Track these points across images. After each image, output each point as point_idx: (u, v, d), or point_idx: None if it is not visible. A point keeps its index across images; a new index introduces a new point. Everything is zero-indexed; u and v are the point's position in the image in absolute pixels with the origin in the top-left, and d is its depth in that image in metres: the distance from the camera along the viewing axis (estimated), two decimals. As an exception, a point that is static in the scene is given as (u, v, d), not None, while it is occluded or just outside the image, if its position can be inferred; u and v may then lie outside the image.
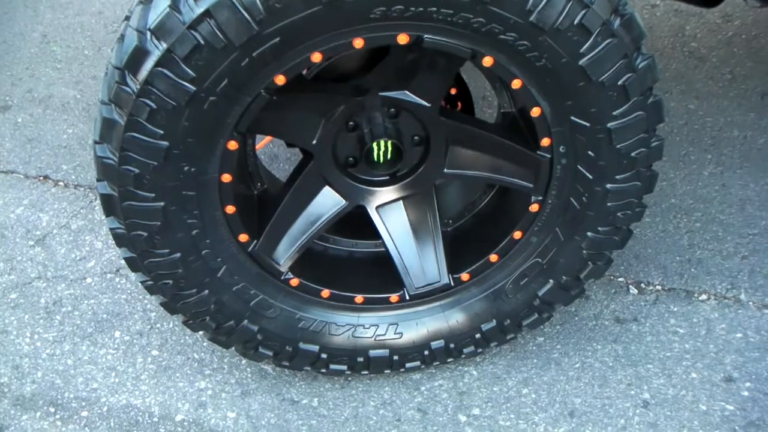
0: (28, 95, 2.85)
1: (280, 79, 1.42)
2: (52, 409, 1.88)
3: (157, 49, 1.34)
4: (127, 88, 1.38)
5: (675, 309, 2.00)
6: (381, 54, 1.61)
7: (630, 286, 2.07)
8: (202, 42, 1.33)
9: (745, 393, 1.82)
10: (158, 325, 2.05)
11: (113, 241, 2.23)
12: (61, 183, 2.50)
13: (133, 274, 2.11)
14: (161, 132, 1.41)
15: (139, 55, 1.36)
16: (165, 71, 1.35)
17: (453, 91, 1.82)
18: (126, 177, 1.47)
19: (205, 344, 1.99)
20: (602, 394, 1.83)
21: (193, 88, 1.37)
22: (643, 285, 2.07)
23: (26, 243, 2.31)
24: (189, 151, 1.45)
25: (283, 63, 1.40)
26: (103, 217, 2.32)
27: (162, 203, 1.51)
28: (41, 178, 2.52)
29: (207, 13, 1.31)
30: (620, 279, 2.09)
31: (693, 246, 2.15)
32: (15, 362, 1.99)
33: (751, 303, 2.01)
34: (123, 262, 2.17)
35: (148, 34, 1.35)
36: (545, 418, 1.79)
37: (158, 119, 1.40)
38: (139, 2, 1.41)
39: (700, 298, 2.03)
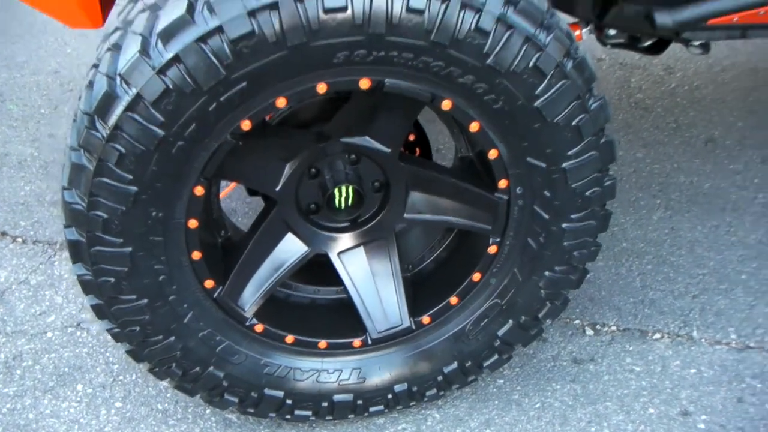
0: (-17, 153, 2.86)
1: (246, 124, 1.46)
2: (11, 465, 1.85)
3: (126, 94, 1.38)
4: (97, 134, 1.41)
5: (630, 348, 2.06)
6: (342, 101, 1.66)
7: (586, 328, 2.12)
8: (171, 86, 1.36)
9: (701, 426, 1.86)
10: (121, 377, 2.04)
11: (73, 296, 2.27)
12: (20, 239, 2.49)
13: (94, 327, 2.17)
14: (130, 177, 1.44)
15: (108, 101, 1.39)
16: (134, 116, 1.38)
17: (411, 138, 1.88)
18: (94, 222, 1.48)
19: (168, 395, 1.98)
20: (563, 430, 1.86)
21: (162, 133, 1.40)
22: (598, 326, 2.12)
23: (-16, 299, 2.29)
24: (157, 196, 1.48)
25: (249, 108, 1.44)
26: (63, 272, 2.36)
27: (130, 248, 1.52)
28: (-1, 234, 2.51)
29: (176, 58, 1.35)
30: (576, 321, 2.14)
31: (645, 287, 2.22)
32: (-28, 417, 1.95)
33: (703, 340, 2.07)
34: (84, 316, 2.21)
35: (118, 79, 1.38)
36: (509, 457, 1.82)
37: (127, 164, 1.42)
38: (108, 49, 1.45)
39: (654, 337, 2.08)
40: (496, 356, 1.82)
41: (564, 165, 1.57)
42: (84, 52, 3.46)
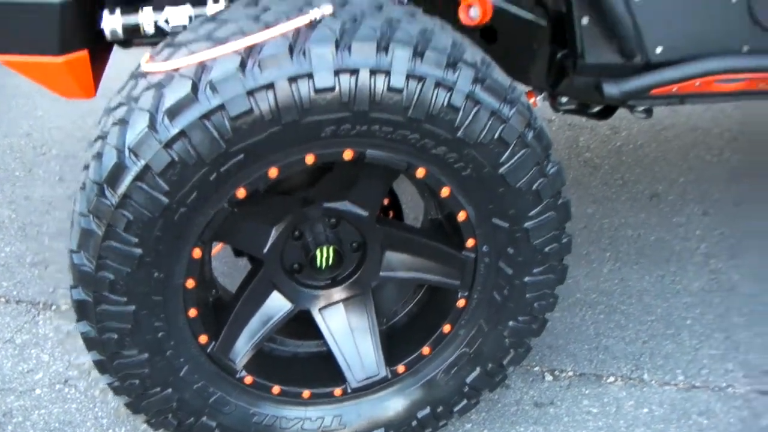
0: (-40, 215, 2.97)
1: (241, 192, 1.63)
2: None
3: (135, 166, 1.54)
4: (107, 201, 1.56)
5: (587, 392, 2.24)
6: (324, 169, 1.84)
7: (545, 374, 2.30)
8: (177, 159, 1.53)
9: (655, 461, 2.05)
10: (110, 431, 2.15)
11: (59, 354, 2.38)
12: (2, 299, 2.59)
13: (81, 384, 2.29)
14: (136, 241, 1.59)
15: (118, 171, 1.55)
16: (142, 185, 1.54)
17: (386, 202, 2.07)
18: (102, 283, 1.63)
19: None
20: (529, 472, 2.04)
21: (167, 201, 1.56)
22: (556, 372, 2.31)
23: (-31, 358, 2.38)
24: (159, 258, 1.63)
25: (245, 177, 1.61)
26: (47, 331, 2.47)
27: (133, 307, 1.67)
28: (-19, 295, 2.62)
29: (182, 133, 1.51)
30: (536, 368, 2.32)
31: (599, 335, 2.42)
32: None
33: (653, 381, 2.27)
34: (71, 373, 2.33)
35: (127, 151, 1.54)
36: (480, 496, 1.98)
37: (134, 229, 1.58)
38: (114, 123, 1.61)
39: (608, 381, 2.27)
40: (465, 401, 1.99)
41: (526, 225, 1.77)
42: (55, 115, 3.59)
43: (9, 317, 2.52)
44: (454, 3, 2.00)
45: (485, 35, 2.12)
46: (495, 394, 2.20)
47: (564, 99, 2.30)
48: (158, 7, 1.94)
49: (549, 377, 2.29)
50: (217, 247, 2.22)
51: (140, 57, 1.72)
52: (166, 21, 1.94)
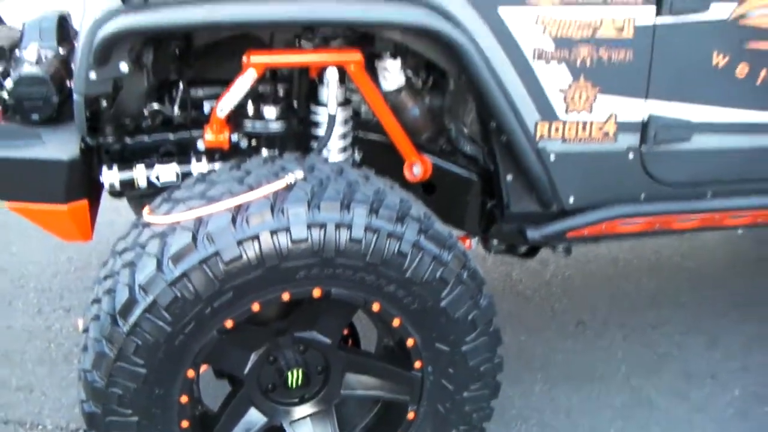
0: (-54, 346, 3.29)
1: (229, 323, 2.04)
2: None
3: (144, 300, 1.94)
4: (119, 329, 1.96)
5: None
6: (294, 305, 2.26)
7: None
8: (179, 295, 1.94)
9: None
10: None
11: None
12: (-5, 421, 2.91)
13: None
14: (142, 362, 1.98)
15: (130, 305, 1.95)
16: (150, 316, 1.95)
17: (345, 332, 2.48)
18: (111, 397, 2.00)
19: None
20: None
21: (170, 329, 1.96)
22: (497, 478, 2.70)
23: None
24: (160, 377, 2.01)
25: (233, 311, 2.02)
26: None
27: (137, 418, 2.03)
28: (-30, 419, 2.92)
29: (184, 275, 1.93)
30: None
31: (532, 445, 2.84)
32: None
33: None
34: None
35: (138, 288, 1.95)
36: None
37: (141, 352, 1.97)
38: (124, 265, 2.02)
39: (541, 489, 2.68)
40: (417, 502, 2.37)
41: (463, 348, 2.20)
42: (29, 251, 3.96)
43: (1, 438, 2.84)
44: (399, 162, 2.51)
45: (426, 188, 2.62)
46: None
47: (495, 242, 2.79)
48: (149, 165, 2.40)
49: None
50: (203, 368, 2.60)
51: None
52: (157, 177, 2.41)
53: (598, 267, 3.94)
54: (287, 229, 1.96)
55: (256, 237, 1.95)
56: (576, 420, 2.95)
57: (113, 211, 4.24)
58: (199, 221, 1.99)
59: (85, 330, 2.09)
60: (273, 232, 1.96)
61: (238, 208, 1.99)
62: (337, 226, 1.99)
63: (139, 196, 3.35)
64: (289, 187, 2.04)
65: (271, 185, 2.04)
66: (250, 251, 1.95)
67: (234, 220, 1.96)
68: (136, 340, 1.96)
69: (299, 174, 2.08)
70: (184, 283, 1.94)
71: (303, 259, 1.99)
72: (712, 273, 3.97)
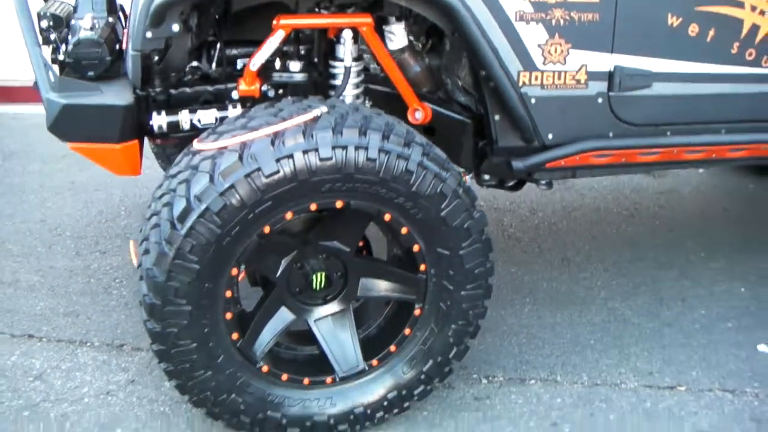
0: (-5, 281, 3.84)
1: (267, 229, 2.58)
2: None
3: (198, 207, 2.48)
4: (177, 232, 2.49)
5: (514, 390, 3.16)
6: (318, 219, 2.80)
7: (482, 378, 3.22)
8: (227, 203, 2.48)
9: (566, 430, 2.96)
10: (150, 424, 2.96)
11: (100, 375, 3.22)
12: (45, 339, 3.43)
13: (121, 394, 3.13)
14: (196, 259, 2.51)
15: (186, 212, 2.49)
16: (203, 220, 2.48)
17: (360, 243, 3.03)
18: (169, 290, 2.54)
19: None
20: (473, 445, 2.95)
21: (219, 231, 2.50)
22: (490, 377, 3.23)
23: (26, 379, 3.16)
24: (210, 273, 2.55)
25: (270, 218, 2.56)
26: (87, 360, 3.32)
27: (189, 308, 2.57)
28: (26, 336, 3.44)
29: (232, 186, 2.47)
30: (474, 375, 3.23)
31: (522, 353, 3.37)
32: (39, 459, 2.86)
33: (564, 382, 3.20)
34: (111, 387, 3.16)
35: (193, 198, 2.49)
36: (434, 459, 2.88)
37: (195, 251, 2.50)
38: (180, 182, 2.55)
39: (530, 383, 3.20)
40: (422, 387, 2.90)
41: (460, 253, 2.74)
42: (62, 206, 4.52)
43: (52, 351, 3.35)
44: (403, 110, 3.06)
45: (427, 131, 3.16)
46: (443, 392, 3.12)
47: (486, 176, 3.34)
48: (192, 111, 2.94)
49: (485, 381, 3.21)
50: (241, 276, 3.13)
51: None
52: (199, 120, 2.95)
53: (582, 215, 4.51)
54: (316, 150, 2.50)
55: (291, 156, 2.48)
56: (560, 333, 3.52)
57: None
58: (244, 145, 2.52)
59: (140, 265, 2.62)
60: (305, 152, 2.49)
61: (276, 134, 2.52)
62: (356, 148, 2.53)
63: (166, 156, 3.94)
64: (316, 119, 2.58)
65: (301, 117, 2.58)
66: (286, 167, 2.48)
67: (273, 143, 2.50)
68: (191, 241, 2.49)
69: (324, 109, 2.63)
70: (232, 192, 2.47)
71: (328, 174, 2.52)
72: (684, 220, 4.55)
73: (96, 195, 4.68)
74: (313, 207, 2.60)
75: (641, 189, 4.88)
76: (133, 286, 3.77)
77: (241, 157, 2.49)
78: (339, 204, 2.62)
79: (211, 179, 2.49)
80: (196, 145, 2.67)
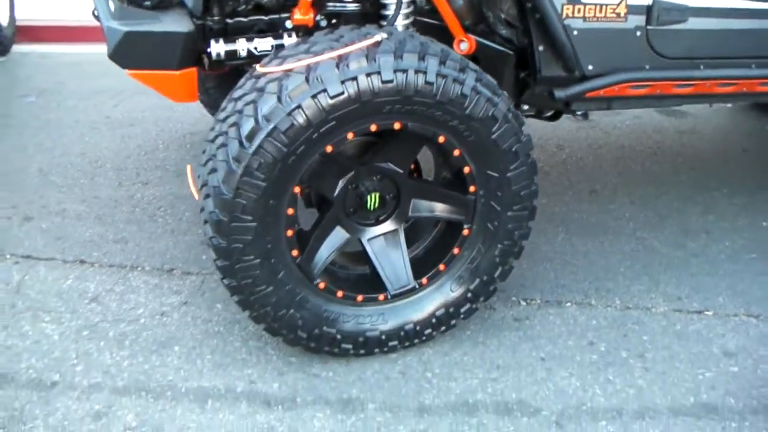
0: (44, 210, 3.97)
1: (329, 148, 2.74)
2: (144, 393, 2.94)
3: (267, 126, 2.63)
4: (246, 150, 2.64)
5: (551, 311, 3.36)
6: (372, 143, 2.96)
7: (520, 301, 3.42)
8: (294, 122, 2.63)
9: (602, 349, 3.14)
10: (206, 342, 3.13)
11: (155, 297, 3.38)
12: (96, 264, 3.60)
13: (176, 314, 3.31)
14: (263, 176, 2.66)
15: (254, 130, 2.63)
16: (271, 139, 2.63)
17: (412, 166, 3.19)
18: (236, 206, 2.68)
19: (244, 350, 3.08)
20: (515, 357, 3.09)
21: (285, 150, 2.65)
22: (528, 300, 3.43)
23: (82, 302, 3.35)
24: (275, 190, 2.70)
25: (333, 138, 2.71)
26: (139, 283, 3.49)
27: (255, 224, 2.72)
28: (78, 262, 3.61)
29: (298, 106, 2.62)
30: (513, 298, 3.43)
31: (557, 277, 3.56)
32: (104, 369, 3.03)
33: (598, 305, 3.40)
34: (165, 308, 3.34)
35: (261, 118, 2.64)
36: (481, 371, 3.02)
37: (262, 168, 2.64)
38: (246, 104, 2.69)
39: (566, 305, 3.40)
40: (468, 305, 3.09)
41: (509, 174, 2.91)
42: (100, 140, 4.66)
43: (105, 276, 3.52)
44: (448, 41, 3.20)
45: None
46: (485, 314, 3.31)
47: (525, 107, 3.50)
48: (249, 39, 3.08)
49: (523, 303, 3.41)
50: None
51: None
52: (256, 48, 3.08)
53: (608, 151, 4.68)
54: (378, 72, 2.64)
55: (355, 78, 2.63)
56: (592, 260, 3.70)
57: (170, 109, 4.98)
58: (309, 68, 2.66)
59: (204, 186, 2.75)
60: (368, 75, 2.63)
61: (340, 58, 2.67)
62: (416, 72, 2.67)
63: (205, 90, 4.08)
64: (378, 44, 2.72)
65: (363, 42, 2.72)
66: (351, 89, 2.63)
67: (337, 66, 2.64)
68: (259, 159, 2.64)
69: (383, 35, 2.77)
70: (299, 112, 2.62)
71: (389, 96, 2.67)
72: (706, 159, 4.73)
73: (132, 130, 4.83)
74: (374, 128, 2.75)
75: (663, 129, 5.05)
76: (177, 214, 3.95)
77: (307, 79, 2.63)
78: (397, 125, 2.77)
79: (279, 99, 2.63)
80: (260, 69, 2.80)
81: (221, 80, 4.26)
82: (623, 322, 3.33)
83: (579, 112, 3.47)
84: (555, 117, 3.58)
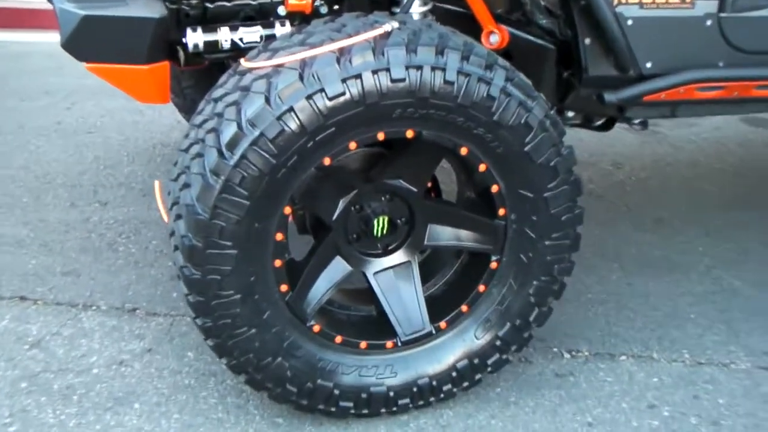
0: (-21, 237, 4.18)
1: (327, 161, 2.90)
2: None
3: (252, 133, 2.78)
4: (226, 162, 2.80)
5: (602, 366, 3.49)
6: (382, 155, 3.13)
7: (563, 353, 3.55)
8: (285, 128, 2.79)
9: (666, 414, 3.25)
10: (173, 398, 3.27)
11: (109, 343, 3.54)
12: (40, 302, 3.76)
13: (137, 364, 3.47)
14: (246, 194, 2.79)
15: (237, 138, 2.76)
16: (257, 149, 2.78)
17: (429, 185, 3.34)
18: (213, 228, 2.83)
19: (220, 407, 3.23)
20: (555, 421, 3.20)
21: (274, 161, 2.78)
22: (573, 352, 3.56)
23: (21, 347, 3.48)
24: (260, 210, 2.83)
25: (332, 148, 2.86)
26: (93, 325, 3.66)
27: (235, 251, 2.86)
28: (18, 298, 3.77)
29: (291, 109, 2.77)
30: (555, 349, 3.56)
31: (609, 324, 3.70)
32: (44, 430, 3.13)
33: (662, 359, 3.51)
34: (124, 357, 3.50)
35: (245, 123, 2.80)
36: (512, 439, 3.20)
37: (245, 184, 2.77)
38: (228, 105, 2.86)
39: (620, 358, 3.52)
40: (497, 355, 3.21)
41: (546, 195, 3.04)
42: (49, 149, 4.86)
43: (51, 316, 3.66)
44: (475, 32, 3.37)
45: (503, 57, 3.47)
46: (519, 367, 3.45)
47: (570, 113, 3.66)
48: (233, 28, 3.25)
49: (567, 355, 3.54)
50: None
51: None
52: (241, 39, 3.26)
53: (677, 170, 4.84)
54: (387, 69, 2.78)
55: (359, 76, 2.77)
56: (655, 303, 3.84)
57: (137, 113, 5.18)
58: (304, 62, 2.80)
59: (174, 205, 2.89)
60: (374, 72, 2.78)
61: (342, 51, 2.81)
62: (433, 69, 2.82)
63: (181, 90, 4.27)
64: (387, 35, 2.87)
65: (370, 32, 2.87)
66: (353, 88, 2.77)
67: (338, 61, 2.78)
68: (242, 172, 2.77)
69: (395, 24, 2.93)
70: (291, 116, 2.75)
71: (400, 98, 2.81)
72: (805, 179, 4.88)
73: (89, 138, 5.03)
74: (381, 136, 2.90)
75: (748, 142, 5.21)
76: (142, 242, 4.11)
77: (301, 76, 2.77)
78: (410, 134, 2.92)
79: (267, 101, 2.76)
80: (246, 63, 2.94)
81: (200, 78, 4.43)
82: (693, 381, 3.45)
83: (636, 121, 3.61)
84: (607, 126, 3.73)
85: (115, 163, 4.74)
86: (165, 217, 3.05)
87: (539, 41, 3.49)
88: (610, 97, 3.38)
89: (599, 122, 3.73)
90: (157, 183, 3.33)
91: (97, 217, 4.34)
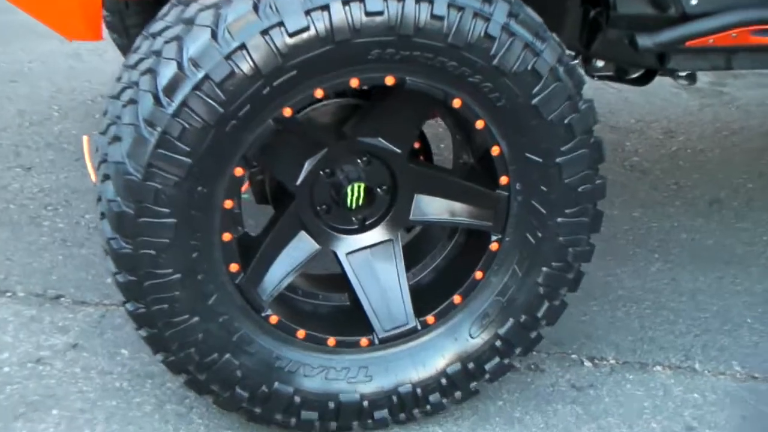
0: None
1: (288, 111, 2.96)
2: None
3: (195, 76, 2.86)
4: (163, 110, 2.89)
5: (630, 377, 3.57)
6: (358, 106, 3.22)
7: (584, 360, 3.63)
8: (236, 70, 2.88)
9: (707, 436, 3.38)
10: (99, 403, 3.36)
11: (25, 336, 3.65)
12: (-59, 285, 3.90)
13: (58, 363, 3.58)
14: (188, 149, 2.87)
15: (176, 81, 2.84)
16: (200, 94, 2.84)
17: (417, 145, 3.44)
18: (147, 192, 2.92)
19: (156, 416, 3.34)
20: (570, 441, 3.36)
21: (222, 110, 2.85)
22: (596, 360, 3.64)
23: None
24: (205, 171, 2.92)
25: (293, 96, 2.93)
26: (7, 315, 3.77)
27: (174, 220, 2.93)
28: None
29: (242, 46, 2.85)
30: (573, 355, 3.64)
31: (644, 327, 3.77)
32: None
33: (706, 371, 3.58)
34: (43, 353, 3.61)
35: (187, 62, 2.89)
36: (514, 465, 3.30)
37: (187, 137, 2.86)
38: (167, 41, 2.94)
39: (654, 369, 3.60)
40: (497, 359, 3.30)
41: (558, 160, 3.11)
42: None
43: (-42, 306, 3.83)
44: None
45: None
46: (527, 377, 3.54)
47: (599, 63, 3.74)
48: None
49: (588, 364, 3.61)
50: (244, 187, 3.53)
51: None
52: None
53: (744, 140, 4.92)
54: (361, 0, 2.87)
55: (326, 6, 2.84)
56: (702, 303, 3.93)
57: (75, 58, 5.28)
58: (259, -11, 2.91)
59: (104, 178, 2.97)
60: (345, 2, 2.85)
61: (305, -23, 2.88)
62: (418, 0, 2.90)
63: (124, 29, 4.38)
64: (362, -44, 2.97)
65: (339, -48, 2.98)
66: (319, 22, 2.84)
67: (301, -13, 2.85)
68: (182, 122, 2.84)
69: (371, -58, 3.02)
70: (243, 55, 2.82)
71: (377, 35, 2.89)
72: None
73: (13, 88, 5.11)
74: (355, 83, 2.97)
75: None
76: (73, 215, 4.21)
77: (256, 7, 2.85)
78: (390, 81, 3.00)
79: (214, 36, 2.84)
80: (189, -8, 3.05)
81: (148, 15, 4.53)
82: (743, 399, 3.53)
83: (682, 73, 3.68)
84: (645, 80, 3.78)
85: (42, 119, 4.81)
86: (93, 177, 3.11)
87: (560, -26, 3.54)
88: (644, 41, 3.44)
89: (635, 74, 3.78)
90: (85, 138, 3.39)
91: (18, 184, 4.43)
